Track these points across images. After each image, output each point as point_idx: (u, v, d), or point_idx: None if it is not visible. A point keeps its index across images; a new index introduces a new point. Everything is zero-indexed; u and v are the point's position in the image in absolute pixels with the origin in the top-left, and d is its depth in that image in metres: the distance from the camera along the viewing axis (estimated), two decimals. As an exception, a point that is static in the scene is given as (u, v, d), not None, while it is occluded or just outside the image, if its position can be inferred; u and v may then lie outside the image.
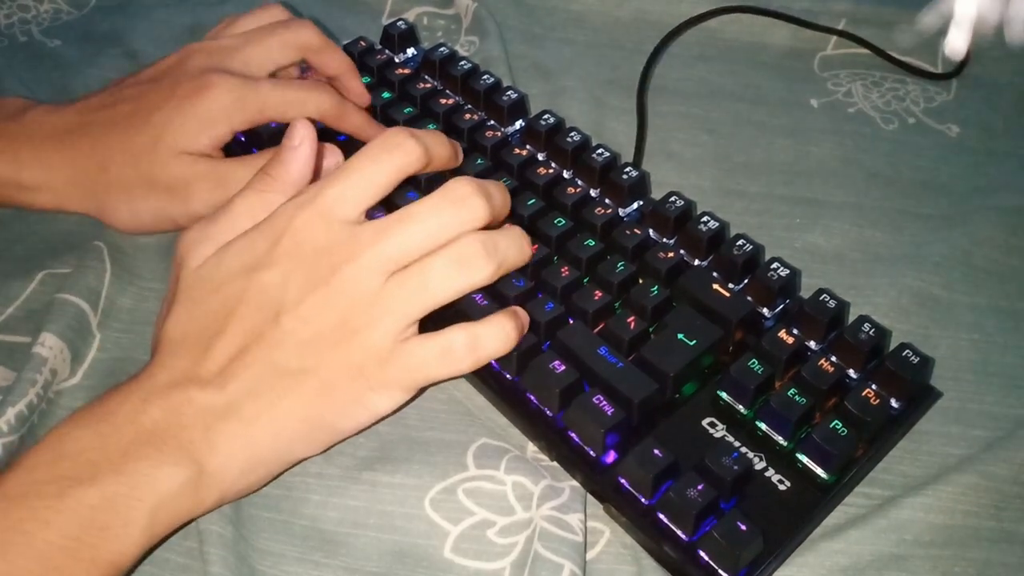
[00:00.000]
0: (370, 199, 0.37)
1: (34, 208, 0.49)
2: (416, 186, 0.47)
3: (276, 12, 0.53)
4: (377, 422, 0.39)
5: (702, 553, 0.36)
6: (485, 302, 0.41)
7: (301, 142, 0.39)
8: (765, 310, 0.44)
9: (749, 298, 0.44)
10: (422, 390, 0.39)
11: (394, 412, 0.39)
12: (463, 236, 0.37)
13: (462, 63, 0.56)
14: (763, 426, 0.40)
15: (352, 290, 0.36)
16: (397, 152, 0.38)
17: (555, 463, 0.41)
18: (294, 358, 0.36)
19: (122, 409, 0.35)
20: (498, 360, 0.42)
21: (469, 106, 0.54)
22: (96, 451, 0.34)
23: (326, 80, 0.53)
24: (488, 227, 0.39)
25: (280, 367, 0.36)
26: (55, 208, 0.49)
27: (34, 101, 0.50)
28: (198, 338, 0.36)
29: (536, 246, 0.45)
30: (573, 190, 0.48)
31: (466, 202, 0.37)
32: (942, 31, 0.64)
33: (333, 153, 0.47)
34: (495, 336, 0.38)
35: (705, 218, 0.46)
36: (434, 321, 0.38)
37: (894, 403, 0.40)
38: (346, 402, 0.37)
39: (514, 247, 0.39)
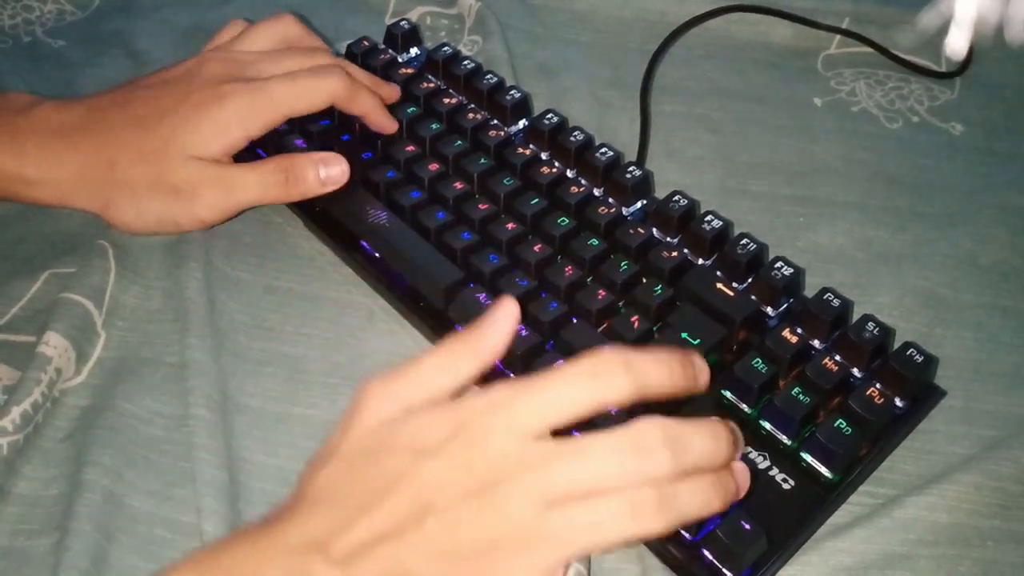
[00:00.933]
0: (559, 423, 0.33)
1: (37, 203, 0.49)
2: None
3: (288, 22, 0.53)
4: None
5: (706, 552, 0.36)
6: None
7: (505, 318, 0.36)
8: (769, 309, 0.44)
9: (753, 297, 0.44)
10: None
11: None
12: (641, 484, 0.32)
13: (465, 63, 0.56)
14: (767, 425, 0.40)
15: (508, 511, 0.32)
16: (601, 382, 0.33)
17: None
18: (427, 565, 0.32)
19: (246, 564, 0.33)
20: (503, 360, 0.42)
21: (472, 106, 0.54)
22: None
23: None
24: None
25: (410, 570, 0.32)
26: (58, 204, 0.48)
27: (40, 97, 0.50)
28: (344, 504, 0.33)
29: (540, 246, 0.45)
30: (576, 189, 0.48)
31: (653, 455, 0.32)
32: (946, 30, 0.64)
33: (338, 161, 0.48)
34: None
35: (709, 217, 0.46)
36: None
37: (898, 402, 0.40)
38: None
39: (695, 501, 0.33)
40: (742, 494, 0.34)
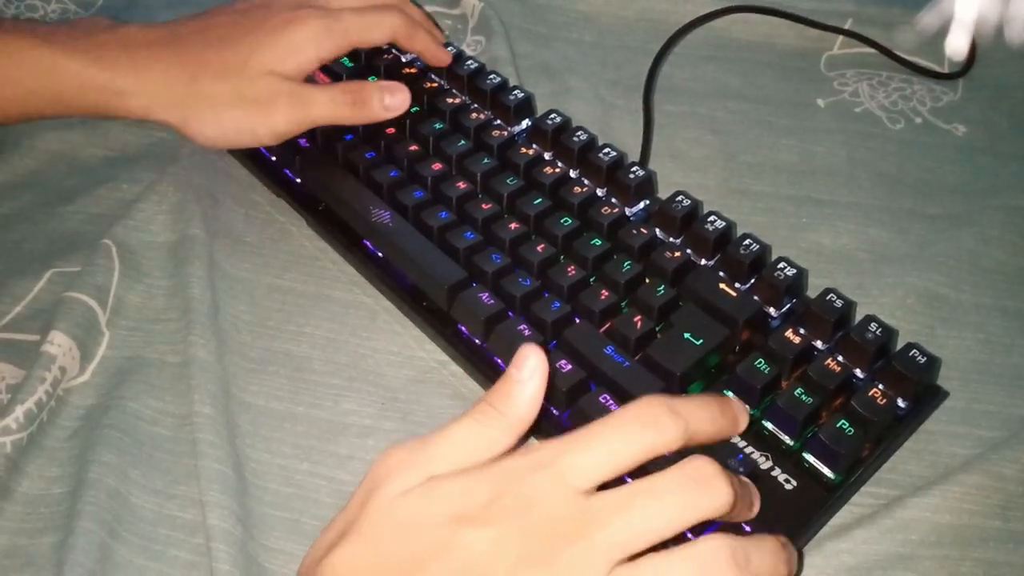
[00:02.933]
0: (610, 474, 0.31)
1: (126, 115, 0.51)
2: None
3: None
4: None
5: (709, 552, 0.36)
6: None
7: (531, 375, 0.33)
8: (772, 309, 0.44)
9: (756, 297, 0.44)
10: None
11: None
12: (711, 540, 0.30)
13: (468, 63, 0.56)
14: (769, 426, 0.40)
15: None
16: (651, 432, 0.31)
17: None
18: None
19: None
20: (505, 360, 0.42)
21: (475, 105, 0.54)
22: None
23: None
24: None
25: None
26: (143, 115, 0.51)
27: (118, 20, 0.53)
28: None
29: (543, 245, 0.45)
30: (579, 189, 0.48)
31: (710, 485, 0.30)
32: (948, 31, 0.64)
33: (400, 90, 0.52)
34: None
35: (712, 217, 0.46)
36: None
37: (901, 403, 0.41)
38: None
39: (767, 564, 0.31)
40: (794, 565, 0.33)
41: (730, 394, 0.40)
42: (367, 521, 0.31)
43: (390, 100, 0.51)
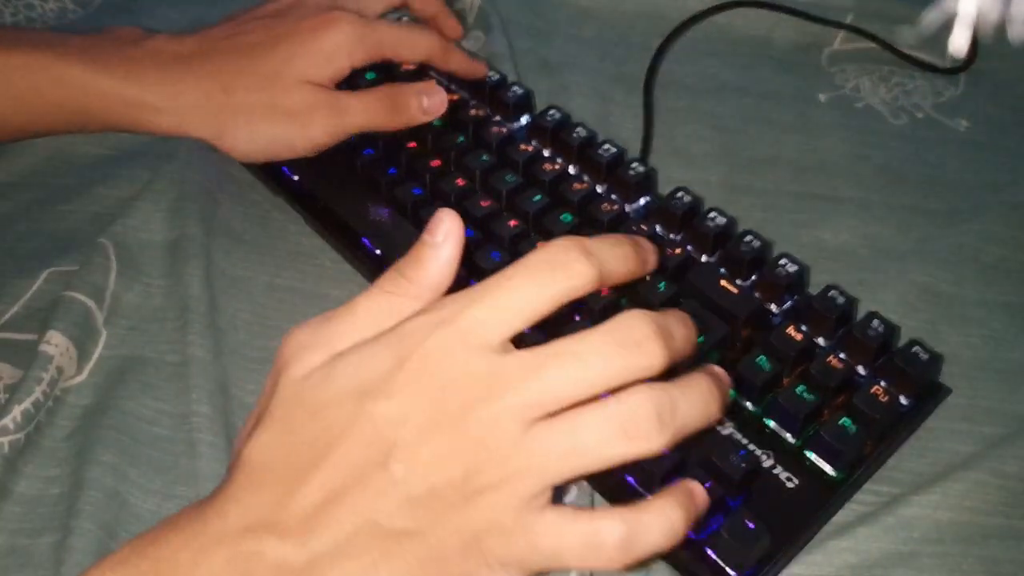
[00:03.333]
0: (522, 325, 0.30)
1: (157, 131, 0.50)
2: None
3: None
4: None
5: (710, 551, 0.36)
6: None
7: (445, 238, 0.32)
8: (773, 306, 0.43)
9: (757, 294, 0.43)
10: None
11: None
12: (633, 395, 0.29)
13: (468, 59, 0.56)
14: (771, 423, 0.40)
15: (485, 438, 0.28)
16: (563, 274, 0.30)
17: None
18: (399, 516, 0.28)
19: (178, 558, 0.29)
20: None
21: (475, 102, 0.54)
22: None
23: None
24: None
25: (380, 526, 0.28)
26: (175, 131, 0.50)
27: (148, 30, 0.53)
28: (285, 470, 0.29)
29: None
30: (579, 186, 0.48)
31: (641, 347, 0.29)
32: (950, 26, 0.64)
33: (437, 91, 0.51)
34: (658, 528, 0.29)
35: (712, 214, 0.46)
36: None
37: (903, 400, 0.40)
38: None
39: (696, 410, 0.30)
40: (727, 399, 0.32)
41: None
42: (276, 406, 0.31)
43: (428, 103, 0.50)
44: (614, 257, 0.31)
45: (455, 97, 0.53)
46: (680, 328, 0.31)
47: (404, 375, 0.29)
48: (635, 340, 0.29)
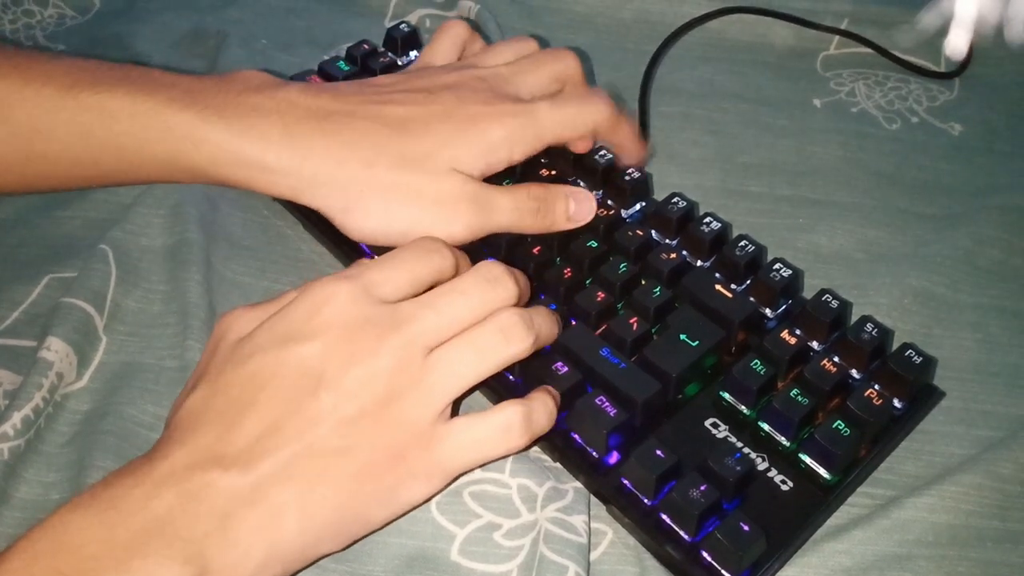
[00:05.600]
0: (409, 285, 0.37)
1: (272, 193, 0.45)
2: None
3: (531, 45, 0.51)
4: (405, 514, 0.37)
5: (705, 554, 0.36)
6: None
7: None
8: (768, 311, 0.44)
9: (752, 299, 0.44)
10: (455, 479, 0.37)
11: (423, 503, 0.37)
12: (503, 311, 0.37)
13: (465, 65, 0.56)
14: (766, 426, 0.40)
15: (396, 365, 0.34)
16: (437, 255, 0.39)
17: (558, 464, 0.41)
18: (333, 438, 0.33)
19: (132, 494, 0.32)
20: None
21: (472, 108, 0.54)
22: (100, 544, 0.31)
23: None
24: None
25: (316, 447, 0.33)
26: (295, 198, 0.45)
27: (277, 77, 0.47)
28: (223, 413, 0.33)
29: (538, 248, 0.45)
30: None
31: (500, 281, 0.37)
32: (945, 30, 0.64)
33: (588, 199, 0.47)
34: (544, 411, 0.37)
35: (708, 219, 0.46)
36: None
37: (897, 403, 0.41)
38: (383, 489, 0.34)
39: (547, 323, 0.39)
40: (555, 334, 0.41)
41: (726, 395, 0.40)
42: (212, 368, 0.35)
43: (576, 209, 0.46)
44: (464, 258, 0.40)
45: (605, 212, 0.48)
46: (521, 276, 0.40)
47: (319, 321, 0.35)
48: (494, 276, 0.37)
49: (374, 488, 0.34)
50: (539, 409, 0.37)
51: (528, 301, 0.41)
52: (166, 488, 0.32)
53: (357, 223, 0.44)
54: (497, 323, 0.36)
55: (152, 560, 0.31)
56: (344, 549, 0.36)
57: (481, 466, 0.38)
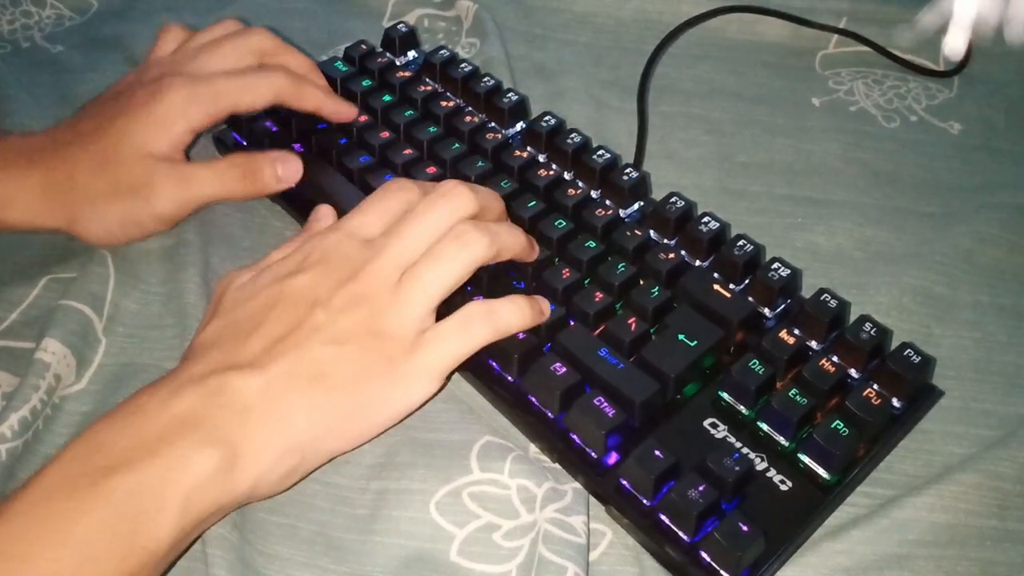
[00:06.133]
0: (385, 225, 0.42)
1: (5, 225, 0.48)
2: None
3: (231, 25, 0.53)
4: (409, 415, 0.39)
5: (704, 554, 0.36)
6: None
7: (324, 218, 0.46)
8: (766, 310, 0.44)
9: (750, 298, 0.44)
10: (448, 377, 0.40)
11: (424, 404, 0.39)
12: (460, 223, 0.41)
13: (463, 65, 0.56)
14: (764, 426, 0.40)
15: (374, 285, 0.39)
16: (403, 193, 0.43)
17: (557, 465, 0.41)
18: (329, 348, 0.38)
19: (154, 400, 0.36)
20: (499, 362, 0.42)
21: (470, 108, 0.54)
22: (131, 439, 0.35)
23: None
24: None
25: (316, 356, 0.37)
26: (27, 225, 0.48)
27: (3, 129, 0.51)
28: (235, 333, 0.38)
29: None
30: (574, 191, 0.48)
31: (453, 192, 0.41)
32: (944, 29, 0.64)
33: (292, 160, 0.50)
34: (510, 309, 0.41)
35: (706, 218, 0.46)
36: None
37: (896, 403, 0.40)
38: (379, 392, 0.38)
39: (505, 230, 0.42)
40: (534, 255, 0.44)
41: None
42: (220, 308, 0.40)
43: (283, 171, 0.50)
44: (428, 186, 0.43)
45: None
46: (485, 190, 0.44)
47: (311, 260, 0.40)
48: (448, 190, 0.41)
49: (370, 388, 0.38)
50: (504, 305, 0.41)
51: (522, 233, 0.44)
52: (187, 390, 0.36)
53: (83, 232, 0.48)
54: (452, 233, 0.40)
55: (182, 445, 0.34)
56: (354, 449, 0.39)
57: (463, 361, 0.40)
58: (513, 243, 0.43)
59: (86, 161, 0.47)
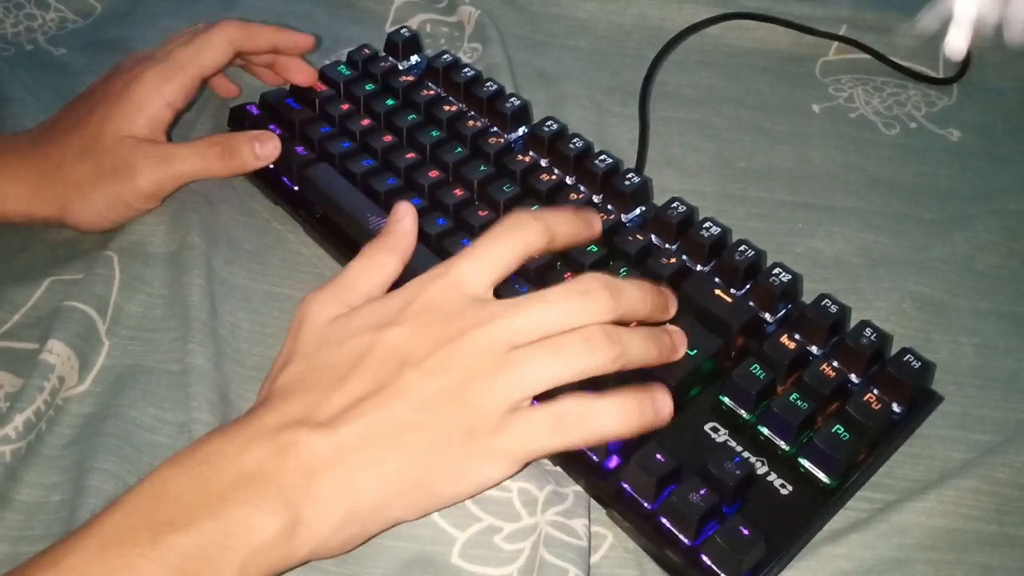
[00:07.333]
0: (496, 274, 0.39)
1: (3, 217, 0.50)
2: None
3: (231, 29, 0.54)
4: (478, 494, 0.37)
5: (704, 558, 0.36)
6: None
7: (404, 216, 0.43)
8: (767, 315, 0.44)
9: (751, 303, 0.44)
10: (529, 463, 0.38)
11: (496, 485, 0.37)
12: (589, 326, 0.37)
13: (465, 70, 0.56)
14: (765, 431, 0.40)
15: (477, 353, 0.36)
16: (519, 233, 0.39)
17: (558, 468, 0.41)
18: (410, 412, 0.35)
19: (225, 450, 0.34)
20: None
21: (472, 113, 0.54)
22: (195, 495, 0.33)
23: (271, 62, 0.58)
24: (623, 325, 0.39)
25: (395, 420, 0.35)
26: (22, 216, 0.50)
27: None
28: (316, 385, 0.36)
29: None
30: (576, 196, 0.48)
31: (592, 295, 0.37)
32: (943, 36, 0.64)
33: (271, 138, 0.52)
34: (610, 413, 0.37)
35: (707, 224, 0.46)
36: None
37: (896, 408, 0.41)
38: (453, 466, 0.36)
39: (639, 343, 0.38)
40: (679, 352, 0.40)
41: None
42: (303, 345, 0.38)
43: (260, 149, 0.52)
44: (559, 220, 0.41)
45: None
46: (633, 290, 0.39)
47: (410, 312, 0.37)
48: (588, 289, 0.38)
49: (444, 462, 0.36)
50: (603, 408, 0.37)
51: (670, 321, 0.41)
52: (256, 445, 0.34)
53: (75, 220, 0.50)
54: (583, 332, 0.37)
55: (245, 508, 0.33)
56: (418, 519, 0.37)
57: (551, 455, 0.38)
58: (642, 356, 0.38)
59: (72, 150, 0.49)
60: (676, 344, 0.40)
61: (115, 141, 0.49)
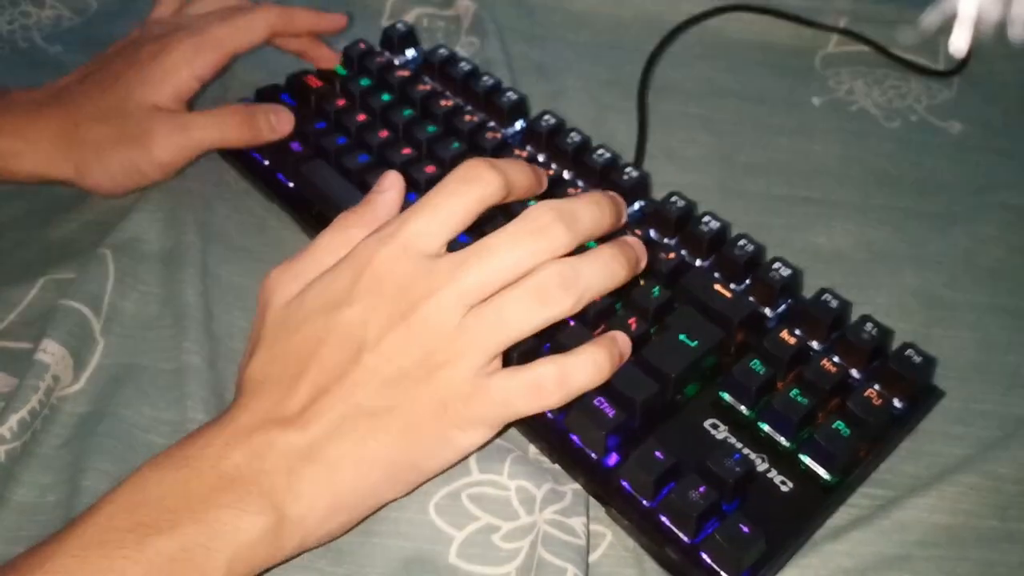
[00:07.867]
0: (451, 232, 0.37)
1: (17, 176, 0.50)
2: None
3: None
4: (463, 459, 0.38)
5: (704, 555, 0.36)
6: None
7: (390, 188, 0.41)
8: (767, 310, 0.44)
9: (751, 298, 0.43)
10: (508, 426, 0.38)
11: (479, 449, 0.38)
12: (541, 269, 0.35)
13: (462, 64, 0.56)
14: (765, 427, 0.40)
15: (431, 327, 0.35)
16: (476, 184, 0.37)
17: (557, 466, 0.41)
18: (377, 397, 0.35)
19: (204, 453, 0.34)
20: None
21: (469, 107, 0.54)
22: (177, 498, 0.33)
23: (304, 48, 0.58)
24: (581, 248, 0.37)
25: (363, 407, 0.35)
26: (36, 174, 0.50)
27: (6, 87, 0.53)
28: (280, 378, 0.36)
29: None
30: (574, 191, 0.48)
31: (545, 231, 0.36)
32: (944, 28, 0.64)
33: (284, 112, 0.53)
34: (585, 368, 0.37)
35: (706, 218, 0.46)
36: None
37: (897, 403, 0.40)
38: (431, 441, 0.36)
39: (599, 274, 0.37)
40: (643, 264, 0.39)
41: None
42: (265, 332, 0.38)
43: (276, 121, 0.52)
44: (517, 171, 0.38)
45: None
46: (586, 210, 0.37)
47: (361, 286, 0.36)
48: (539, 227, 0.36)
49: (422, 439, 0.35)
50: (578, 367, 0.36)
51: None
52: (233, 448, 0.34)
53: (89, 182, 0.50)
54: (530, 285, 0.35)
55: (229, 511, 0.33)
56: (407, 494, 0.37)
57: (529, 415, 0.37)
58: (603, 287, 0.37)
59: (93, 113, 0.50)
60: (640, 255, 0.39)
61: (138, 107, 0.50)
